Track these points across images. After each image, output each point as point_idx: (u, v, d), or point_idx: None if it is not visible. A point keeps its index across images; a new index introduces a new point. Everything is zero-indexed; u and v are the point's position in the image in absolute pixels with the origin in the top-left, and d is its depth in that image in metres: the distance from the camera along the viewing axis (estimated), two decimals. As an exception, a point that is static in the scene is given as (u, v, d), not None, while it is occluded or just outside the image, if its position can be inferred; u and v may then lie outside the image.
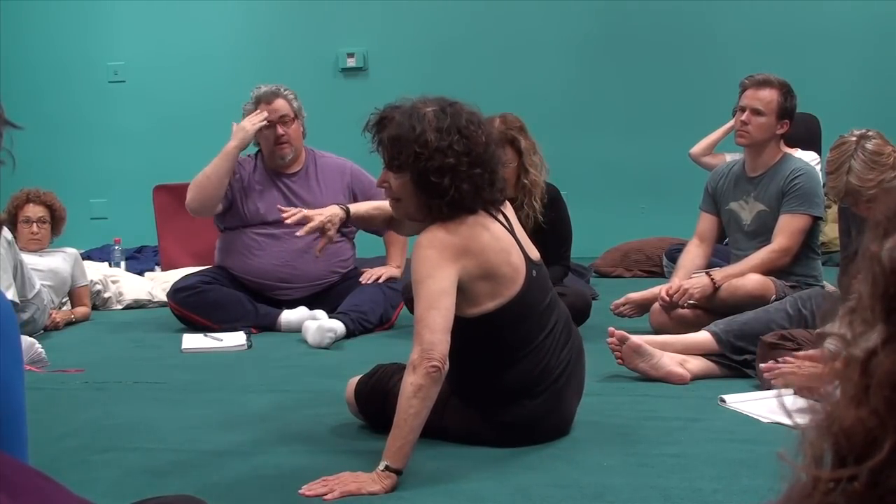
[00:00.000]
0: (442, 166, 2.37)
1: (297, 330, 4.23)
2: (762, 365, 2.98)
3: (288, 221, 2.94)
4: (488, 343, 2.49)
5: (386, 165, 2.47)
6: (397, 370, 2.67)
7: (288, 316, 4.37)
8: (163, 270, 5.88)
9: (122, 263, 5.81)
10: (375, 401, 2.66)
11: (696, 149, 5.44)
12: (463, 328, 2.37)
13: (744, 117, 3.86)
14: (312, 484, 2.24)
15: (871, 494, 0.57)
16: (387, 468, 2.24)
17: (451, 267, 2.36)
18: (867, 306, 0.60)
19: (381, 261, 4.75)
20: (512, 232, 2.54)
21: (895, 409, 0.57)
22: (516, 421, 2.52)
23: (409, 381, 2.27)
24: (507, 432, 2.53)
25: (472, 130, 2.42)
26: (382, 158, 2.49)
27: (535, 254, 2.60)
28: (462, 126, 2.41)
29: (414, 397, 2.26)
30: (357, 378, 2.76)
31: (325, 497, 2.19)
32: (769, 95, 3.84)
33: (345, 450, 2.57)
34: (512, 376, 2.51)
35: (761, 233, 3.87)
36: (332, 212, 2.91)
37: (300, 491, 2.22)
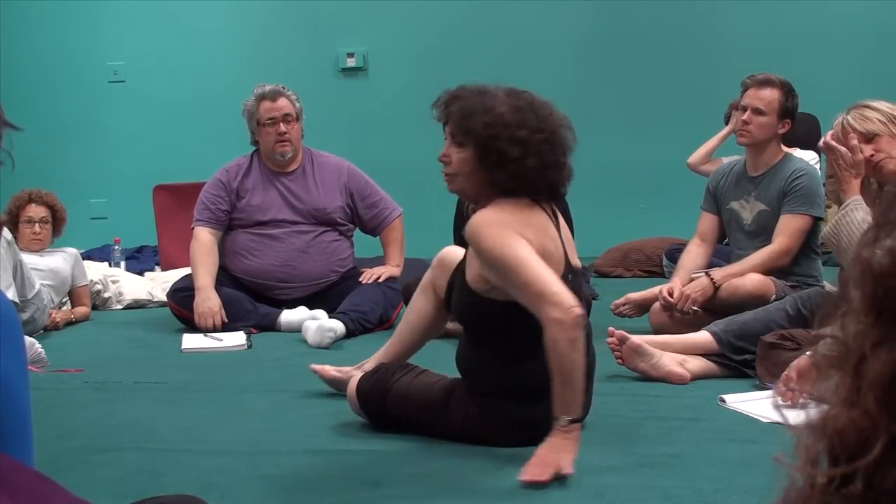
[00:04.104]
0: (513, 137, 2.40)
1: (297, 330, 4.22)
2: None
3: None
4: (517, 331, 2.45)
5: (451, 138, 2.50)
6: (399, 368, 2.70)
7: (288, 316, 4.36)
8: (163, 270, 5.88)
9: (122, 263, 5.81)
10: (377, 398, 2.66)
11: (694, 158, 5.47)
12: (496, 313, 2.38)
13: (745, 116, 3.86)
14: (530, 467, 2.23)
15: (868, 496, 0.58)
16: (570, 422, 2.26)
17: (517, 235, 2.37)
18: (859, 309, 0.61)
19: (381, 260, 4.75)
20: (560, 234, 2.54)
21: (887, 410, 0.58)
22: (532, 419, 2.48)
23: (562, 337, 2.24)
24: (519, 431, 2.49)
25: (547, 112, 2.47)
26: (448, 134, 2.52)
27: (576, 261, 2.59)
28: (537, 106, 2.46)
29: (573, 351, 2.25)
30: (359, 375, 2.77)
31: (540, 479, 2.19)
32: (771, 95, 3.85)
33: (345, 450, 2.57)
34: (535, 369, 2.46)
35: (762, 232, 3.87)
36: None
37: (520, 477, 2.21)
